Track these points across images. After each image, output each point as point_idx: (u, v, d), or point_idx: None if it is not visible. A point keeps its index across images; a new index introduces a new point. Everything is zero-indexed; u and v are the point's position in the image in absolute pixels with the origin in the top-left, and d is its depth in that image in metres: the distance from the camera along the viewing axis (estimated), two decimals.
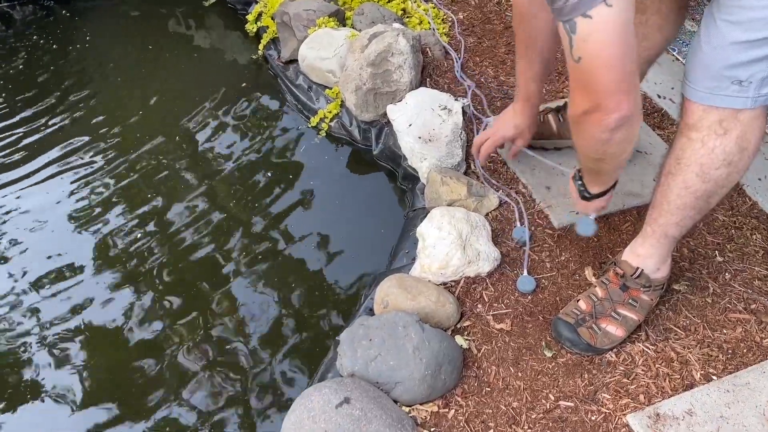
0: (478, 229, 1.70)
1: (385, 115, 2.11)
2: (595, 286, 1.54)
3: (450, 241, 1.64)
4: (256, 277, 1.89)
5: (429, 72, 2.27)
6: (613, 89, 1.04)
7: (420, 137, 1.97)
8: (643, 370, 1.47)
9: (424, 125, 2.00)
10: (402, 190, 2.09)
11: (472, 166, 1.94)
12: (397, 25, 2.27)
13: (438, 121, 2.01)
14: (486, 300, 1.62)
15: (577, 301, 1.54)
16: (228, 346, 1.74)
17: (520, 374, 1.48)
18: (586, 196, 1.46)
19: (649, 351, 1.51)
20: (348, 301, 1.84)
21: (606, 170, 1.33)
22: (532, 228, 1.79)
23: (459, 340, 1.52)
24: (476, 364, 1.50)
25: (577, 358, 1.50)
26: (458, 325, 1.57)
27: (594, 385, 1.46)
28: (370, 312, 1.64)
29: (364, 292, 1.78)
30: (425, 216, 1.81)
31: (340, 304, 1.83)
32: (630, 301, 1.49)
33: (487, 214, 1.81)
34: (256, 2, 2.68)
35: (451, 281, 1.65)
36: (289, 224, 2.04)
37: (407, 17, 2.49)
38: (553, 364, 1.50)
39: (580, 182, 1.46)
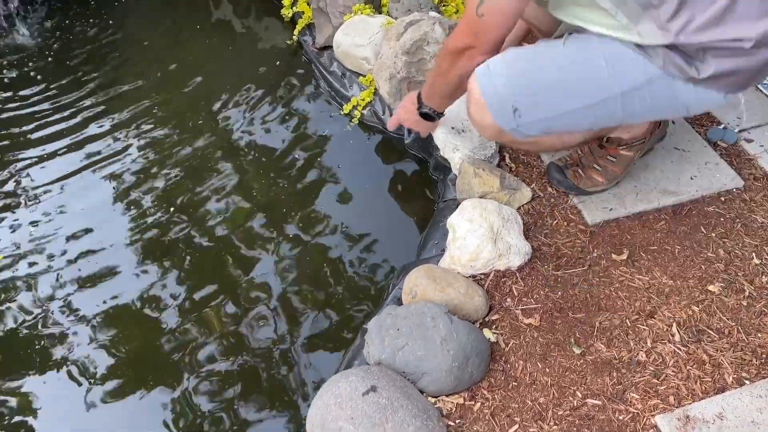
0: (510, 223, 1.69)
1: None
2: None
3: (481, 234, 1.63)
4: (282, 263, 1.91)
5: None
6: (492, 42, 1.42)
7: (453, 128, 1.95)
8: (673, 372, 1.45)
9: (457, 116, 1.98)
10: (433, 180, 2.08)
11: (506, 159, 1.92)
12: (433, 13, 2.25)
13: None
14: (515, 294, 1.61)
15: (569, 152, 1.84)
16: (253, 332, 1.75)
17: (547, 370, 1.47)
18: (431, 115, 1.74)
19: (680, 352, 1.48)
20: (375, 289, 1.84)
21: (447, 88, 1.62)
22: (564, 223, 1.77)
23: (487, 333, 1.52)
24: (503, 358, 1.49)
25: (607, 356, 1.48)
26: (486, 318, 1.56)
27: (622, 384, 1.44)
28: (398, 301, 1.64)
29: (392, 281, 1.78)
30: (456, 207, 1.80)
31: (367, 292, 1.84)
32: (608, 156, 1.76)
33: (519, 208, 1.79)
34: None
35: (480, 274, 1.64)
36: (318, 211, 2.05)
37: (444, 5, 2.46)
38: (582, 361, 1.48)
39: (427, 108, 1.72)
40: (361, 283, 1.86)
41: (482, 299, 1.55)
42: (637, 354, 1.49)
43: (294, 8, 2.61)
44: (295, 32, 2.56)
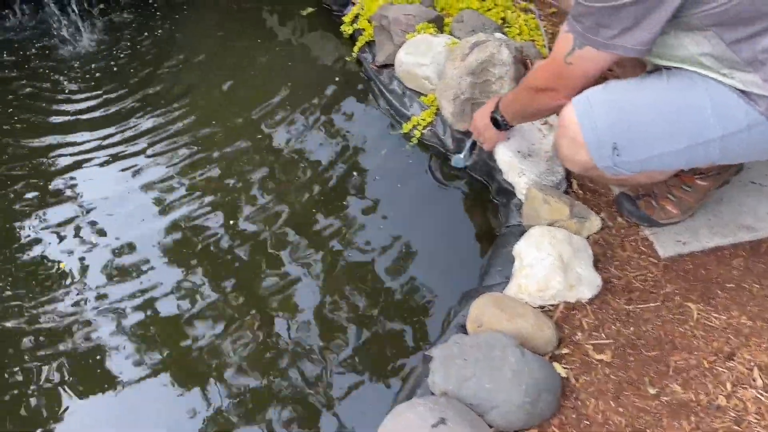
0: (580, 253, 1.63)
1: None
2: None
3: (550, 263, 1.58)
4: (332, 283, 1.87)
5: None
6: (575, 89, 1.44)
7: (519, 151, 1.91)
8: (755, 419, 1.37)
9: (523, 139, 1.94)
10: (494, 204, 2.03)
11: (574, 185, 1.87)
12: (499, 35, 2.22)
13: (538, 135, 1.95)
14: (585, 328, 1.55)
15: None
16: (302, 356, 1.71)
17: (620, 410, 1.40)
18: (500, 124, 1.77)
19: (762, 398, 1.40)
20: (430, 314, 1.79)
21: (523, 114, 1.69)
22: (635, 255, 1.70)
23: (557, 368, 1.46)
24: (574, 395, 1.43)
25: (683, 398, 1.41)
26: (556, 352, 1.50)
27: (701, 429, 1.36)
28: (462, 329, 1.59)
29: (454, 307, 1.73)
30: (521, 234, 1.76)
31: (422, 316, 1.79)
32: (683, 186, 1.68)
33: (588, 237, 1.73)
34: (353, 4, 2.67)
35: (549, 305, 1.59)
36: (373, 230, 2.01)
37: (507, 26, 2.43)
38: (657, 402, 1.41)
39: (499, 115, 1.75)
40: (415, 308, 1.81)
41: (552, 332, 1.49)
42: (717, 398, 1.41)
43: (354, 25, 2.60)
44: (355, 49, 2.55)
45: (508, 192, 1.95)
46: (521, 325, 1.47)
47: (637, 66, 1.65)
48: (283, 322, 1.77)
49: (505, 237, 1.84)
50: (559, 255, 1.59)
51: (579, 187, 1.87)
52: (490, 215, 2.04)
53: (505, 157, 1.91)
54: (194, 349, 1.73)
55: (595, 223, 1.74)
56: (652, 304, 1.59)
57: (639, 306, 1.59)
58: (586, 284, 1.59)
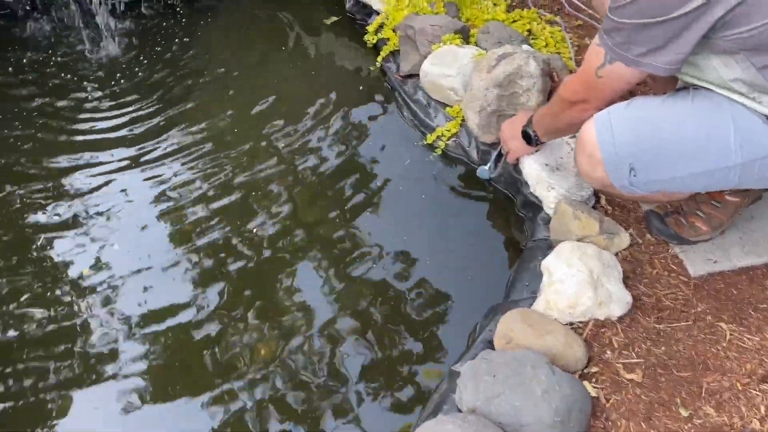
0: (610, 269, 1.61)
1: None
2: None
3: (580, 279, 1.55)
4: (353, 295, 1.85)
5: None
6: (606, 102, 1.43)
7: (547, 164, 1.89)
8: None
9: (551, 152, 1.92)
10: (519, 217, 2.01)
11: (602, 200, 1.84)
12: (526, 47, 2.21)
13: (566, 149, 1.93)
14: (615, 346, 1.52)
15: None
16: (320, 370, 1.68)
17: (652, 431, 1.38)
18: (532, 139, 1.76)
19: None
20: (454, 328, 1.77)
21: (555, 128, 1.68)
22: (665, 273, 1.68)
23: (587, 387, 1.43)
24: (605, 415, 1.40)
25: (717, 421, 1.38)
26: (585, 371, 1.48)
27: None
28: (489, 344, 1.56)
29: (480, 322, 1.71)
30: (548, 248, 1.73)
31: (446, 330, 1.77)
32: (712, 202, 1.65)
33: (617, 254, 1.71)
34: (377, 13, 2.66)
35: (578, 322, 1.56)
36: (394, 242, 1.99)
37: (533, 38, 2.42)
38: (689, 425, 1.38)
39: (531, 129, 1.75)
40: (440, 321, 1.79)
41: (582, 350, 1.47)
42: (751, 422, 1.38)
43: (378, 35, 2.59)
44: (379, 59, 2.55)
45: (534, 205, 1.92)
46: (551, 343, 1.45)
47: (669, 81, 1.63)
48: (300, 336, 1.75)
49: (531, 251, 1.81)
50: (590, 271, 1.57)
51: (607, 202, 1.85)
52: (514, 228, 2.02)
53: (533, 170, 1.90)
54: (207, 360, 1.72)
55: (624, 239, 1.72)
56: (683, 324, 1.57)
57: (670, 325, 1.56)
58: (616, 301, 1.56)
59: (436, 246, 1.98)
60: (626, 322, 1.57)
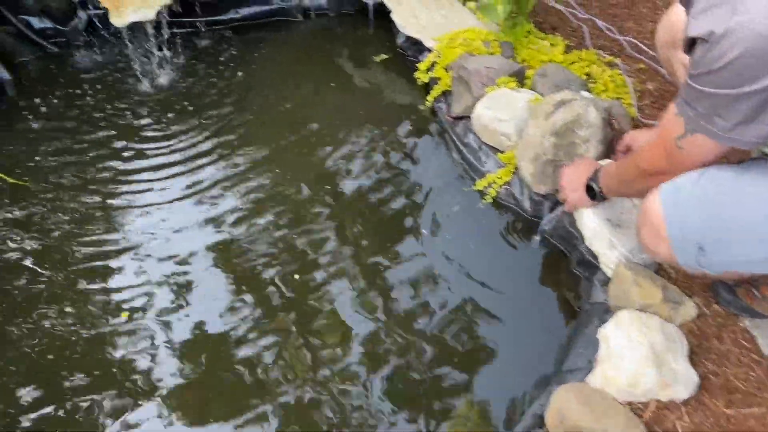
0: (675, 344, 1.48)
1: None
2: None
3: (641, 354, 1.44)
4: (395, 349, 1.77)
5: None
6: (680, 172, 1.31)
7: (608, 219, 1.77)
8: None
9: (612, 206, 1.80)
10: (574, 275, 1.90)
11: (665, 265, 1.72)
12: (585, 93, 2.10)
13: (628, 204, 1.81)
14: None
15: None
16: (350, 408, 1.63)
17: None
18: (597, 195, 1.68)
19: None
20: (500, 393, 1.66)
21: (627, 192, 1.62)
22: (735, 349, 1.54)
23: None
24: None
25: None
26: None
27: None
28: (539, 419, 1.46)
29: (530, 392, 1.60)
30: (605, 312, 1.62)
31: (490, 395, 1.67)
32: None
33: (681, 325, 1.58)
34: (429, 51, 2.60)
35: (639, 402, 1.44)
36: (436, 292, 1.91)
37: (591, 82, 2.31)
38: None
39: (597, 185, 1.66)
40: (484, 385, 1.68)
41: None
42: None
43: (430, 73, 2.52)
44: (430, 98, 2.47)
45: (591, 265, 1.81)
46: (610, 428, 1.33)
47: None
48: (342, 386, 1.69)
49: (587, 315, 1.70)
50: (651, 345, 1.45)
51: (672, 267, 1.72)
52: (565, 287, 1.90)
53: (592, 224, 1.78)
54: (239, 374, 1.71)
55: (689, 309, 1.59)
56: (755, 409, 1.43)
57: (741, 411, 1.43)
58: (682, 382, 1.43)
59: (482, 301, 1.88)
60: (692, 404, 1.44)
